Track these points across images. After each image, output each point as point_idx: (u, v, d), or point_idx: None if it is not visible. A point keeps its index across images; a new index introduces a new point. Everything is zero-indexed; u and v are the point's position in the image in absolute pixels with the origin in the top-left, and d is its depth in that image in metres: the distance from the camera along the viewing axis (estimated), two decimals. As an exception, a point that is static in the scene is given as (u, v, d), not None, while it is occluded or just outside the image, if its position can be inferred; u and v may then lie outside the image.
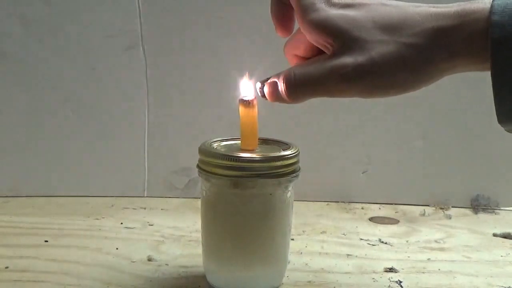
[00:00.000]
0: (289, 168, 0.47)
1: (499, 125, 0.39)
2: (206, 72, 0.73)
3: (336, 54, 0.40)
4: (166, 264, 0.55)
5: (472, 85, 0.73)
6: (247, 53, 0.72)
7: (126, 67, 0.73)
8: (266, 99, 0.45)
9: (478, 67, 0.38)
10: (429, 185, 0.76)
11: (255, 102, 0.47)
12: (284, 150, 0.48)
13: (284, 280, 0.52)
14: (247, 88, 0.47)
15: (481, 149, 0.75)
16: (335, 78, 0.39)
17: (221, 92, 0.72)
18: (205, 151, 0.48)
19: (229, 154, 0.46)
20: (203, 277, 0.51)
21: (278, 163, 0.46)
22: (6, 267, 0.53)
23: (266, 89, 0.44)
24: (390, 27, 0.39)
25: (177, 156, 0.75)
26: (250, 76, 0.48)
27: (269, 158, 0.46)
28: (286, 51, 0.46)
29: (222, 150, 0.48)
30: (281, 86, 0.42)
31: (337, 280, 0.53)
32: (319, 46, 0.41)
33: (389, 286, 0.52)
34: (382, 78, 0.39)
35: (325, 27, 0.40)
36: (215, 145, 0.50)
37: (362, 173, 0.76)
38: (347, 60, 0.39)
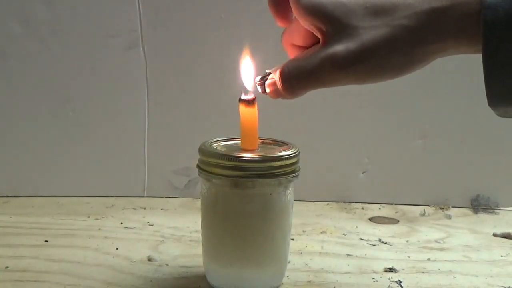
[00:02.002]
0: (289, 168, 0.47)
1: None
2: (206, 72, 0.73)
3: (327, 42, 0.40)
4: (166, 264, 0.55)
5: (472, 85, 0.73)
6: (247, 53, 0.72)
7: (126, 67, 0.73)
8: (266, 94, 0.45)
9: (470, 49, 0.38)
10: (429, 185, 0.76)
11: (255, 101, 0.47)
12: (284, 150, 0.48)
13: (284, 280, 0.52)
14: (248, 87, 0.47)
15: (481, 149, 0.75)
16: (328, 67, 0.40)
17: (221, 92, 0.72)
18: (205, 151, 0.48)
19: (229, 154, 0.46)
20: (203, 277, 0.51)
21: (278, 163, 0.46)
22: (6, 267, 0.53)
23: (266, 87, 0.45)
24: (382, 11, 0.39)
25: (177, 156, 0.75)
26: (251, 75, 0.48)
27: (269, 158, 0.46)
28: (284, 41, 0.46)
29: (222, 150, 0.48)
30: (278, 82, 0.43)
31: (337, 280, 0.53)
32: (313, 31, 0.42)
33: (389, 286, 0.52)
34: (375, 63, 0.39)
35: (317, 12, 0.40)
36: (215, 145, 0.50)
37: (362, 173, 0.76)
38: (339, 48, 0.39)
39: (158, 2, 0.71)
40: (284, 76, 0.42)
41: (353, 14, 0.39)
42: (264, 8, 0.74)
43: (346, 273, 0.54)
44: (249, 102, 0.47)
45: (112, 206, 0.72)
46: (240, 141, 0.49)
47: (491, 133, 0.74)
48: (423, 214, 0.73)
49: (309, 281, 0.52)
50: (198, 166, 0.49)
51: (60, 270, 0.53)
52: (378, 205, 0.76)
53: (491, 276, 0.55)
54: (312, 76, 0.41)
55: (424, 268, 0.56)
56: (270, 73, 0.45)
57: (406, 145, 0.75)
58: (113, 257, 0.56)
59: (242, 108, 0.48)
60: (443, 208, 0.75)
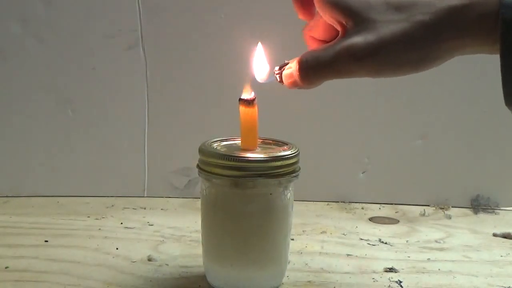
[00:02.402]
0: (289, 168, 0.47)
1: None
2: (206, 72, 0.73)
3: (346, 34, 0.41)
4: (166, 264, 0.55)
5: (472, 85, 0.73)
6: (247, 53, 0.72)
7: (126, 67, 0.73)
8: (282, 83, 0.46)
9: (487, 48, 0.39)
10: (429, 185, 0.76)
11: (255, 101, 0.47)
12: (284, 150, 0.48)
13: (284, 280, 0.52)
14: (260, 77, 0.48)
15: (481, 149, 0.75)
16: (345, 58, 0.40)
17: (221, 92, 0.72)
18: (205, 151, 0.48)
19: (229, 154, 0.46)
20: (203, 277, 0.51)
21: (278, 163, 0.46)
22: (6, 267, 0.53)
23: (283, 77, 0.45)
24: (401, 8, 0.39)
25: (177, 156, 0.75)
26: (251, 77, 0.48)
27: (269, 158, 0.46)
28: (305, 34, 0.47)
29: (222, 150, 0.48)
30: (295, 71, 0.43)
31: (337, 280, 0.53)
32: (334, 25, 0.43)
33: (389, 286, 0.52)
34: (391, 56, 0.39)
35: (338, 6, 0.41)
36: (215, 145, 0.50)
37: (362, 173, 0.76)
38: (356, 39, 0.40)
39: (158, 2, 0.71)
40: (301, 65, 0.43)
41: (373, 9, 0.40)
42: (265, 8, 0.74)
43: (346, 273, 0.54)
44: (249, 102, 0.47)
45: (112, 206, 0.72)
46: (240, 141, 0.49)
47: (491, 133, 0.74)
48: (423, 214, 0.73)
49: (309, 281, 0.52)
50: (198, 166, 0.49)
51: (60, 270, 0.53)
52: (378, 205, 0.76)
53: (491, 276, 0.55)
54: (329, 66, 0.41)
55: (424, 268, 0.56)
56: (288, 63, 0.45)
57: (406, 145, 0.75)
58: (113, 257, 0.56)
59: (242, 108, 0.48)
60: (443, 208, 0.75)
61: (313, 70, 0.42)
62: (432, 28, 0.38)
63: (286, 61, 0.46)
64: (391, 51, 0.39)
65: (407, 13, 0.39)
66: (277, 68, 0.46)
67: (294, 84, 0.44)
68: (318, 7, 0.43)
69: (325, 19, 0.43)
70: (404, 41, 0.39)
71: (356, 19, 0.40)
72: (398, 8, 0.39)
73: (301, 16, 0.46)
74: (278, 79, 0.46)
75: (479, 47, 0.39)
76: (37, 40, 0.71)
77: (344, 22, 0.41)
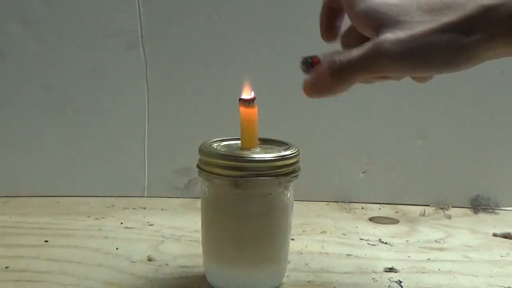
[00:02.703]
0: (289, 168, 0.47)
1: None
2: (206, 72, 0.73)
3: (378, 34, 0.41)
4: (166, 264, 0.55)
5: (472, 85, 0.73)
6: (247, 53, 0.72)
7: (126, 67, 0.73)
8: (309, 91, 0.43)
9: None
10: (429, 185, 0.76)
11: (255, 101, 0.47)
12: (284, 150, 0.48)
13: (284, 280, 0.52)
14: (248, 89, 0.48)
15: (481, 149, 0.75)
16: (376, 54, 0.40)
17: (221, 92, 0.72)
18: (205, 151, 0.48)
19: (229, 154, 0.46)
20: (203, 277, 0.51)
21: (278, 163, 0.46)
22: (6, 267, 0.53)
23: (312, 83, 0.43)
24: (433, 9, 0.40)
25: (177, 156, 0.75)
26: (250, 77, 0.48)
27: (269, 158, 0.46)
28: (341, 42, 0.47)
29: (222, 150, 0.48)
30: (325, 69, 0.42)
31: (337, 280, 0.53)
32: (368, 35, 0.43)
33: (389, 286, 0.52)
34: (422, 53, 0.39)
35: (369, 15, 0.41)
36: (215, 145, 0.50)
37: (362, 173, 0.76)
38: (388, 36, 0.40)
39: (158, 2, 0.71)
40: (333, 64, 0.42)
41: (405, 12, 0.40)
42: (264, 8, 0.74)
43: (346, 273, 0.54)
44: (249, 102, 0.47)
45: (112, 206, 0.72)
46: (240, 141, 0.49)
47: (491, 133, 0.74)
48: (423, 214, 0.73)
49: (309, 281, 0.52)
50: (198, 166, 0.49)
51: (60, 270, 0.53)
52: (378, 205, 0.76)
53: (491, 276, 0.55)
54: (360, 64, 0.41)
55: (424, 268, 0.56)
56: (315, 59, 0.43)
57: (406, 145, 0.75)
58: (113, 257, 0.56)
59: (242, 108, 0.48)
60: (443, 208, 0.75)
61: (345, 67, 0.42)
62: (463, 29, 0.38)
63: (313, 56, 0.43)
64: (421, 48, 0.39)
65: (438, 15, 0.39)
66: (305, 59, 0.43)
67: (323, 89, 0.43)
68: (352, 21, 0.43)
69: (359, 30, 0.43)
70: (434, 41, 0.39)
71: (387, 21, 0.40)
72: (429, 10, 0.40)
73: (324, 38, 0.47)
74: (302, 69, 0.44)
75: (509, 49, 0.38)
76: (37, 40, 0.71)
77: (376, 27, 0.41)
